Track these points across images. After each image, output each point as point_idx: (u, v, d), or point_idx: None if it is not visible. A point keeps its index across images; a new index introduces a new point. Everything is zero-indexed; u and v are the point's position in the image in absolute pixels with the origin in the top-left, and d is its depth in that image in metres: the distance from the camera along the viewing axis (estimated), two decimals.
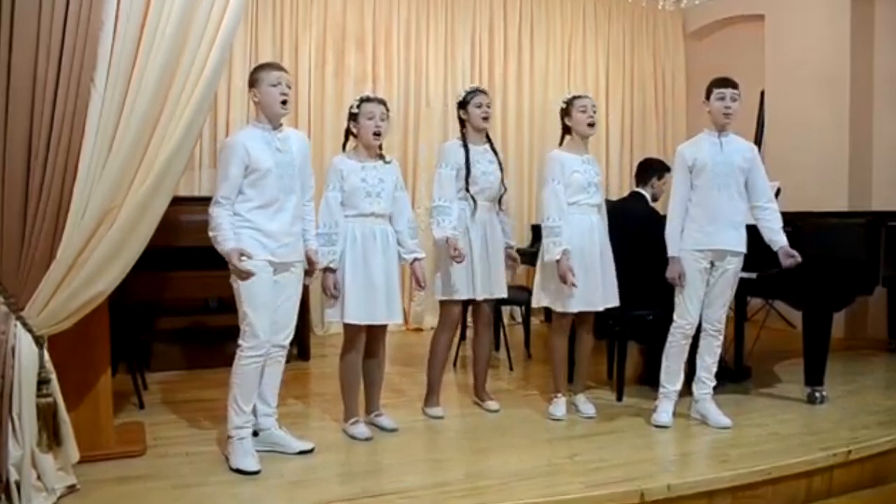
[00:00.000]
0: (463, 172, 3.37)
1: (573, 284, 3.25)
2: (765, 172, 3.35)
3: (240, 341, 2.77)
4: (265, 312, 2.76)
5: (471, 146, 3.43)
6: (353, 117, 3.12)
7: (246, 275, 2.68)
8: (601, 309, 3.42)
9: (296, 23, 5.63)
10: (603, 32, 6.76)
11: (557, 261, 3.25)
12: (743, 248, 3.28)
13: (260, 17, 5.52)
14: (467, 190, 3.39)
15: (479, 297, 3.42)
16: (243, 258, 2.65)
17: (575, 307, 3.35)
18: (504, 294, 3.52)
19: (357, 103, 3.12)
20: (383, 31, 5.90)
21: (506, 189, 3.54)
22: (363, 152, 3.15)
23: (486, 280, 3.42)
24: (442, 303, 3.47)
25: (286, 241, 2.81)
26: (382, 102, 3.15)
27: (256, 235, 2.75)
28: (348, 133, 3.19)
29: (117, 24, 2.37)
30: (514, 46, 6.38)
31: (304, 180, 2.95)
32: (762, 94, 5.96)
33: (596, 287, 3.36)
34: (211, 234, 2.72)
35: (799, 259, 3.22)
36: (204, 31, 2.52)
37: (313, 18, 5.67)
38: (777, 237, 3.27)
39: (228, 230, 2.70)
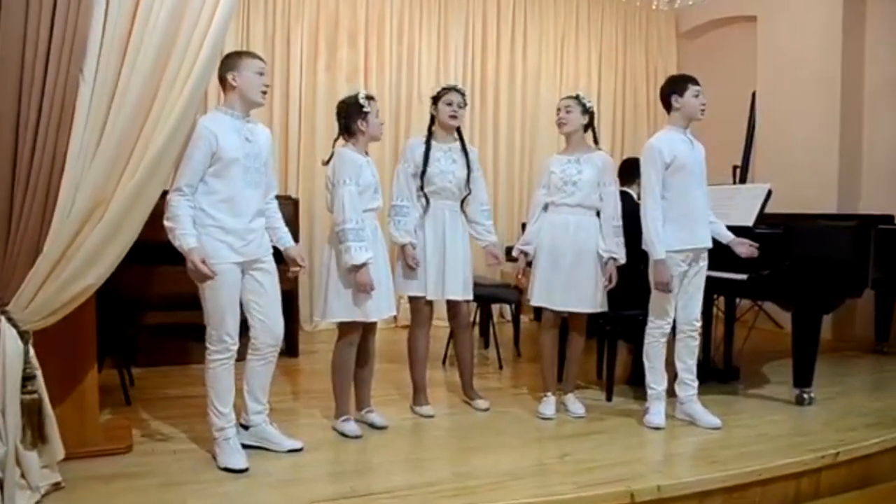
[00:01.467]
0: (420, 171, 3.37)
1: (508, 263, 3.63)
2: None
3: (206, 344, 2.70)
4: (231, 315, 2.69)
5: (434, 144, 3.42)
6: (364, 115, 3.05)
7: (202, 277, 2.55)
8: (559, 309, 3.41)
9: (288, 16, 5.59)
10: (596, 31, 6.77)
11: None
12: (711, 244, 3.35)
13: (252, 10, 5.46)
14: (421, 189, 3.38)
15: (430, 297, 3.39)
16: (204, 264, 2.53)
17: (533, 300, 3.46)
18: (458, 297, 3.41)
19: (367, 101, 3.06)
20: (376, 25, 5.87)
21: (470, 191, 3.42)
22: (361, 148, 3.12)
23: (439, 280, 3.37)
24: (409, 298, 3.48)
25: (250, 237, 2.71)
26: None
27: (221, 235, 2.63)
28: (347, 129, 3.10)
29: (108, 8, 2.31)
30: (507, 43, 6.37)
31: (269, 178, 2.87)
32: (753, 94, 5.97)
33: (558, 285, 3.36)
34: (167, 223, 2.55)
35: (752, 244, 3.32)
36: (198, 18, 2.46)
37: (305, 11, 5.63)
38: (723, 231, 3.38)
39: (188, 224, 2.55)
